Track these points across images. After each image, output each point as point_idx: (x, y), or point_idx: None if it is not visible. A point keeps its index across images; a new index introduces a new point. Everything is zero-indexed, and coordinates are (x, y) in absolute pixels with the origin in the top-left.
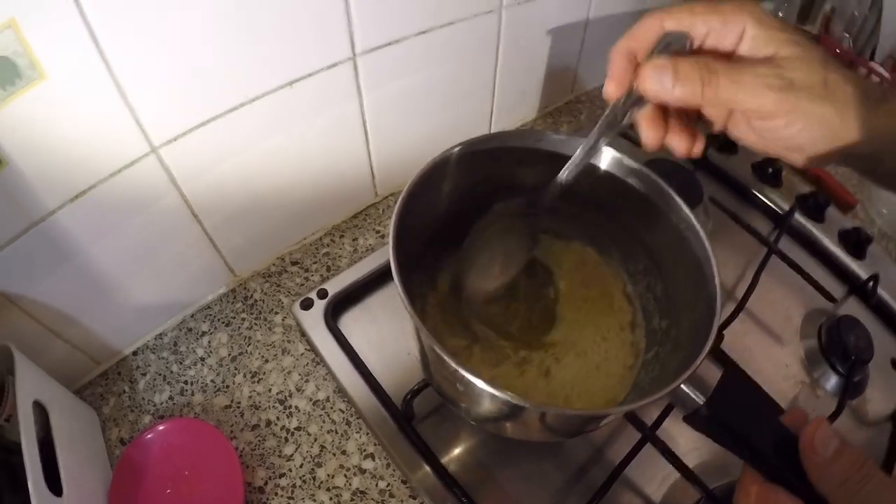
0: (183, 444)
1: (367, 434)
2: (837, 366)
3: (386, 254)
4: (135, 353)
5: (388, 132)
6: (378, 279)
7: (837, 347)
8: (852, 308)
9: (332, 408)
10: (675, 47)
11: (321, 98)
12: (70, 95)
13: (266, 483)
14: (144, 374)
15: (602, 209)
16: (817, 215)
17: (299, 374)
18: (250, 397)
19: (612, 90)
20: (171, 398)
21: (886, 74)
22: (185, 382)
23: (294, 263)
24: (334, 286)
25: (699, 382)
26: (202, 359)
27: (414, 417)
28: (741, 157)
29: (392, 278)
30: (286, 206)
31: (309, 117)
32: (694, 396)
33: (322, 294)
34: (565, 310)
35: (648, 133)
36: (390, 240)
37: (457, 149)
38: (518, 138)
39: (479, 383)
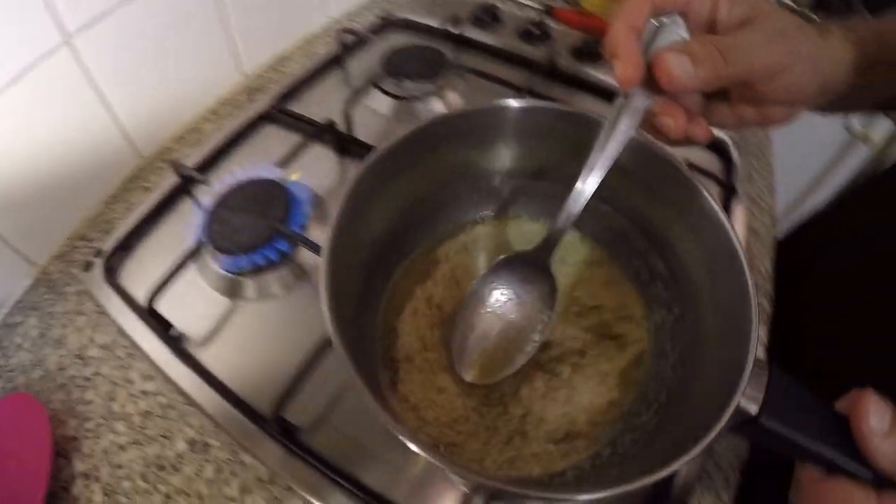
0: (8, 420)
1: (144, 359)
2: None
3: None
4: None
5: (129, 96)
6: (144, 225)
7: None
8: None
9: (116, 346)
10: (665, 33)
11: (50, 86)
12: None
13: (77, 430)
14: None
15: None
16: (596, 58)
17: (91, 329)
18: (57, 362)
19: (631, 73)
20: (2, 388)
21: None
22: (11, 371)
23: (81, 239)
24: (109, 244)
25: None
26: (20, 345)
27: (179, 339)
28: (503, 25)
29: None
30: (57, 193)
31: (44, 107)
32: (745, 406)
33: (98, 253)
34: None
35: (674, 123)
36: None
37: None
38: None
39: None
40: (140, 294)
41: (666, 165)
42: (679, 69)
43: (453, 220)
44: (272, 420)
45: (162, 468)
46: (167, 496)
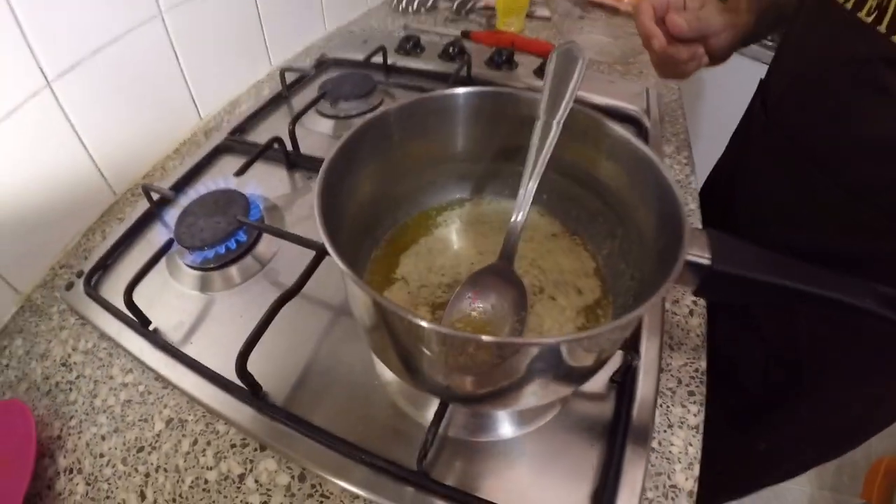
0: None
1: (124, 355)
2: None
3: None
4: None
5: (102, 138)
6: (120, 246)
7: None
8: None
9: (97, 349)
10: None
11: (35, 127)
12: None
13: (62, 430)
14: None
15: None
16: (508, 65)
17: (73, 339)
18: (42, 372)
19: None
20: None
21: None
22: None
23: (63, 267)
24: (89, 264)
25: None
26: (6, 366)
27: (156, 332)
28: (425, 51)
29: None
30: (39, 227)
31: (28, 146)
32: (699, 260)
33: (79, 274)
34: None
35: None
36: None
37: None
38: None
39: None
40: (119, 301)
41: (588, 121)
42: (681, 21)
43: (434, 203)
44: (238, 375)
45: (141, 449)
46: (146, 475)
